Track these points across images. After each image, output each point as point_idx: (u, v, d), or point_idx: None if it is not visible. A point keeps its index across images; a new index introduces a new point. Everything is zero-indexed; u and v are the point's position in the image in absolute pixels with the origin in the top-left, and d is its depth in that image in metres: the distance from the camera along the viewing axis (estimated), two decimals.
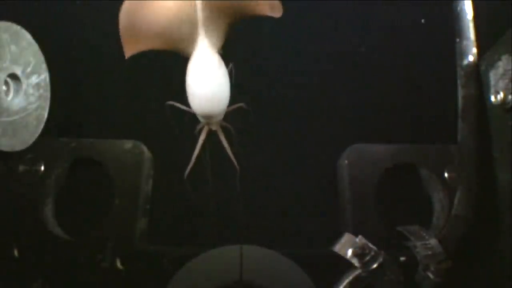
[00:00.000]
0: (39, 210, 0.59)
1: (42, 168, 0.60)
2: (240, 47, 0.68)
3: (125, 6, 0.50)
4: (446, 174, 0.61)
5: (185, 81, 0.51)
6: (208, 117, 0.51)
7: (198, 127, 0.53)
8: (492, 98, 0.59)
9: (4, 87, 0.56)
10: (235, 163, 0.54)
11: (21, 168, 0.61)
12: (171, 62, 0.67)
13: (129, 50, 0.51)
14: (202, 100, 0.50)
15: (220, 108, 0.51)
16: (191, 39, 0.50)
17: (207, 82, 0.49)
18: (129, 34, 0.51)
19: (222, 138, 0.53)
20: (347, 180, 0.58)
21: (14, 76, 0.57)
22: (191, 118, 0.64)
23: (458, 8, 0.68)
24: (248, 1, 0.51)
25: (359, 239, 0.52)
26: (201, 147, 0.53)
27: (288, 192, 0.63)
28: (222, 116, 0.53)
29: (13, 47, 0.57)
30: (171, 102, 0.56)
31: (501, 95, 0.58)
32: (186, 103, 0.65)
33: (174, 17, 0.50)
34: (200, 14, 0.50)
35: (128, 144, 0.59)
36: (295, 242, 0.62)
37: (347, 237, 0.53)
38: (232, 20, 0.52)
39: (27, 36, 0.59)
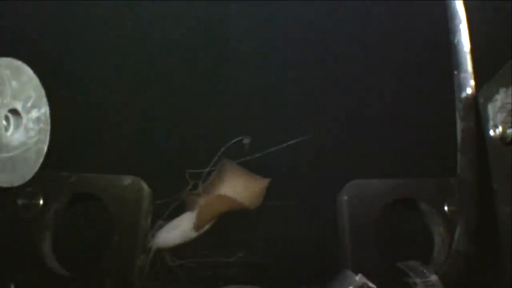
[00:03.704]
0: (37, 244, 0.59)
1: (41, 202, 0.60)
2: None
3: None
4: (446, 208, 0.61)
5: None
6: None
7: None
8: (491, 132, 0.59)
9: (4, 122, 0.57)
10: None
11: (20, 201, 0.60)
12: (174, 98, 0.69)
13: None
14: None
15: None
16: None
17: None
18: None
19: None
20: (347, 216, 0.58)
21: (14, 111, 0.58)
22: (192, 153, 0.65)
23: (456, 40, 0.69)
24: None
25: (359, 278, 0.51)
26: None
27: (288, 227, 0.63)
28: None
29: (14, 83, 0.57)
30: None
31: (499, 129, 0.58)
32: (187, 136, 0.66)
33: None
34: None
35: (128, 180, 0.59)
36: (295, 278, 0.62)
37: (346, 274, 0.53)
38: None
39: (28, 71, 0.60)
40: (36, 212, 0.60)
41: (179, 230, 0.63)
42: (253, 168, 0.67)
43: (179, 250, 0.62)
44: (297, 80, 0.70)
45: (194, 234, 0.63)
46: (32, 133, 0.60)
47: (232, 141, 0.66)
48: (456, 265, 0.58)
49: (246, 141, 0.66)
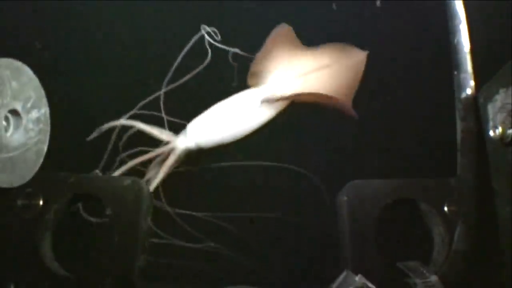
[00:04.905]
0: (37, 244, 0.58)
1: (41, 202, 0.60)
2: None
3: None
4: (446, 208, 0.61)
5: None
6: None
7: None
8: (491, 132, 0.59)
9: (4, 123, 0.57)
10: None
11: (20, 202, 0.60)
12: (175, 98, 0.69)
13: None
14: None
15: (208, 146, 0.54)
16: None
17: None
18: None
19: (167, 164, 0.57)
20: (347, 216, 0.58)
21: (14, 112, 0.58)
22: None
23: (455, 40, 0.69)
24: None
25: (359, 278, 0.51)
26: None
27: (287, 227, 0.63)
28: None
29: (14, 83, 0.57)
30: None
31: (499, 130, 0.58)
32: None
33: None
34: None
35: (127, 180, 0.59)
36: (294, 279, 0.62)
37: (346, 275, 0.53)
38: None
39: (28, 71, 0.60)
40: (36, 212, 0.59)
41: (237, 112, 0.45)
42: (253, 167, 0.67)
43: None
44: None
45: (265, 116, 0.48)
46: (32, 134, 0.60)
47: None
48: (456, 265, 0.59)
49: None
